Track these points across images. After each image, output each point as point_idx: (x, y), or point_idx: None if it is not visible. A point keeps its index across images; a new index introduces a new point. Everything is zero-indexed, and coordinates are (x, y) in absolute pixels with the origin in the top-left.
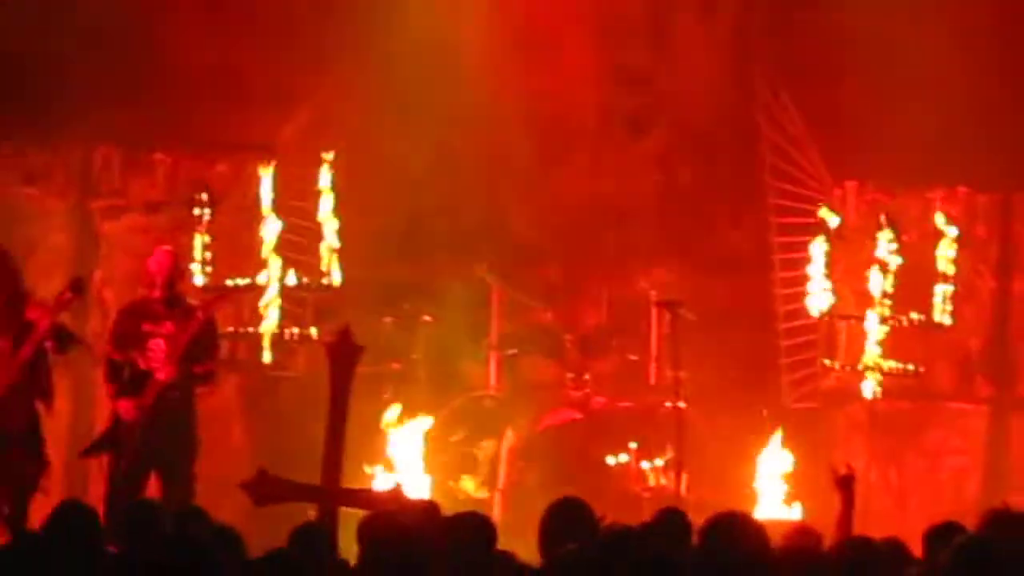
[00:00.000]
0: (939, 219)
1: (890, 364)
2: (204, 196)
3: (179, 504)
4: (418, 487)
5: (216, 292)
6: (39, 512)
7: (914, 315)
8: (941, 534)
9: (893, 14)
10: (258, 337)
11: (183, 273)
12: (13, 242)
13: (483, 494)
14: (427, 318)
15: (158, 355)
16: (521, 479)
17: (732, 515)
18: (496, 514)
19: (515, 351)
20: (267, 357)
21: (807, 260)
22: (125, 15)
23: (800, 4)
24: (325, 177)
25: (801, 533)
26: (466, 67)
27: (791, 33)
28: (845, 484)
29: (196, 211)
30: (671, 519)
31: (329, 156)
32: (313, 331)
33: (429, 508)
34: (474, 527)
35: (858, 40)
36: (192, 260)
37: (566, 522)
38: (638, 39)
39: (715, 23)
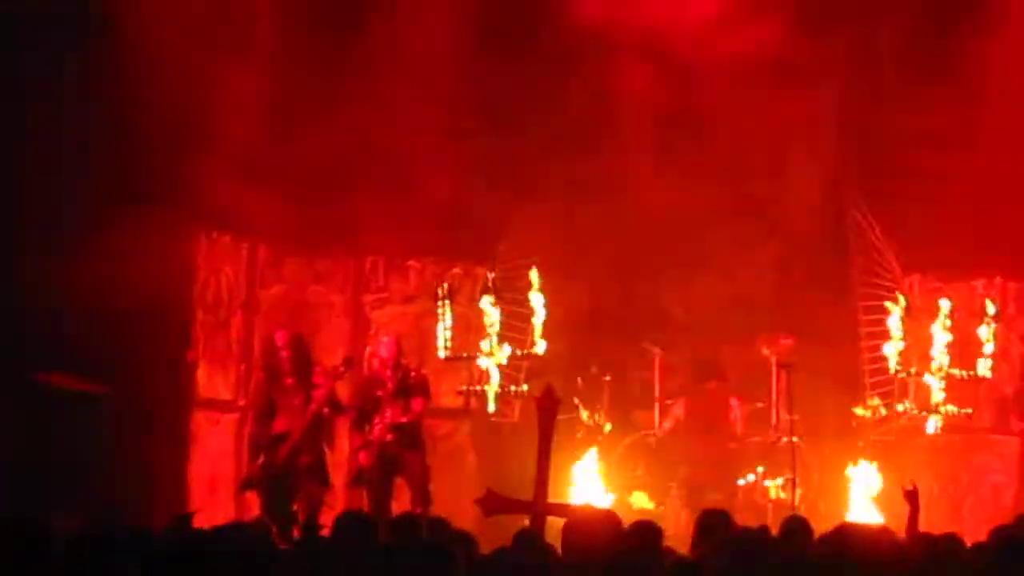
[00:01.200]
0: (983, 302)
1: (946, 408)
2: (444, 291)
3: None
4: (602, 501)
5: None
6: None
7: (964, 371)
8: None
9: (945, 149)
10: (485, 393)
11: (395, 354)
12: (306, 325)
13: (651, 506)
14: (607, 378)
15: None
16: (676, 496)
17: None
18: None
19: (671, 401)
20: (492, 407)
21: (886, 333)
22: (384, 158)
23: (882, 143)
24: (533, 277)
25: (884, 532)
26: (632, 200)
27: (875, 167)
28: (912, 497)
29: (439, 303)
30: (795, 523)
31: (534, 260)
32: (525, 388)
33: (609, 516)
34: (645, 529)
35: (921, 174)
36: (435, 339)
37: (712, 526)
38: (761, 171)
39: (817, 161)
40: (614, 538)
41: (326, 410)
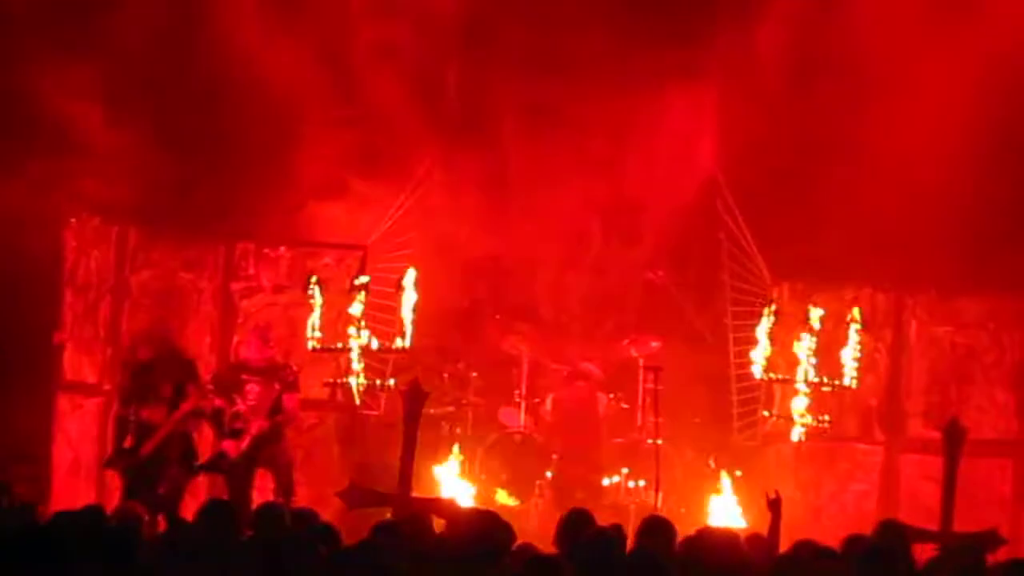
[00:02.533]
0: (850, 311)
1: (811, 416)
2: (315, 281)
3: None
4: (466, 497)
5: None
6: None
7: (829, 380)
8: (851, 540)
9: (820, 157)
10: (351, 385)
11: (269, 342)
12: (174, 312)
13: (513, 502)
14: (474, 374)
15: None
16: (542, 494)
17: (711, 529)
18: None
19: (538, 400)
20: (357, 400)
21: (753, 338)
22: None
23: (754, 149)
24: (407, 268)
25: (755, 539)
26: (507, 197)
27: (747, 172)
28: (774, 505)
29: (309, 292)
30: (655, 524)
31: (407, 253)
32: (391, 381)
33: (480, 515)
34: (500, 523)
35: (794, 180)
36: (305, 330)
37: (575, 524)
38: (632, 170)
39: (690, 163)
40: (478, 528)
41: (195, 412)
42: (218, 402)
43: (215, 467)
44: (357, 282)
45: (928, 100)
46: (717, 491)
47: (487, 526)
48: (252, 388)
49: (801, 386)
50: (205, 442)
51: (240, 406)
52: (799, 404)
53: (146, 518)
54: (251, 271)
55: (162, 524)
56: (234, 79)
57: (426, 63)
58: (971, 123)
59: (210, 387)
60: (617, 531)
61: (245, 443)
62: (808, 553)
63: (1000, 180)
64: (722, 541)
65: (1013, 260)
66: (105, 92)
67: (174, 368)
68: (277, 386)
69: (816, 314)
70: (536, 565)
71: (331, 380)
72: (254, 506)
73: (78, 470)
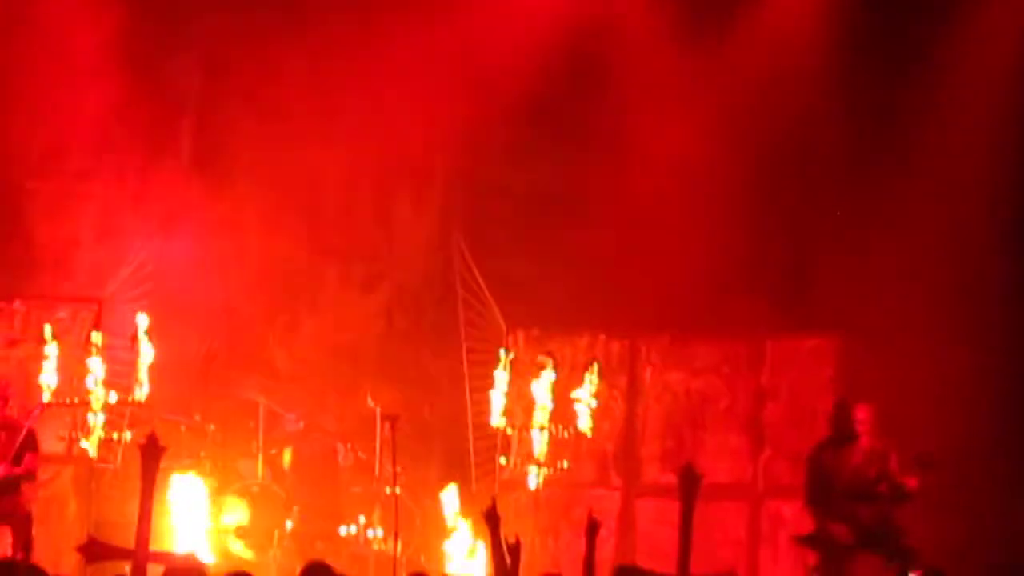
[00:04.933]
0: (587, 360)
1: (547, 464)
2: (49, 335)
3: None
4: (204, 550)
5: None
6: None
7: (564, 427)
8: None
9: (554, 207)
10: (87, 440)
11: (7, 399)
12: None
13: (251, 556)
14: (211, 427)
15: None
16: (281, 544)
17: None
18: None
19: (275, 450)
20: (93, 453)
21: (490, 385)
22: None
23: (489, 198)
24: (140, 320)
25: None
26: (241, 244)
27: (482, 221)
28: (513, 551)
29: (44, 349)
30: None
31: (142, 305)
32: (128, 434)
33: (200, 567)
34: None
35: (529, 231)
36: (40, 384)
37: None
38: (368, 217)
39: (425, 210)
40: None
41: None
42: None
43: None
44: (92, 335)
45: (659, 152)
46: (453, 534)
47: None
48: None
49: (536, 433)
50: None
51: None
52: (537, 451)
53: None
54: None
55: None
56: None
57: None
58: (703, 173)
59: None
60: None
61: None
62: None
63: (732, 228)
64: None
65: (744, 305)
66: None
67: None
68: (14, 442)
69: (549, 362)
70: None
71: (66, 434)
72: None
73: None
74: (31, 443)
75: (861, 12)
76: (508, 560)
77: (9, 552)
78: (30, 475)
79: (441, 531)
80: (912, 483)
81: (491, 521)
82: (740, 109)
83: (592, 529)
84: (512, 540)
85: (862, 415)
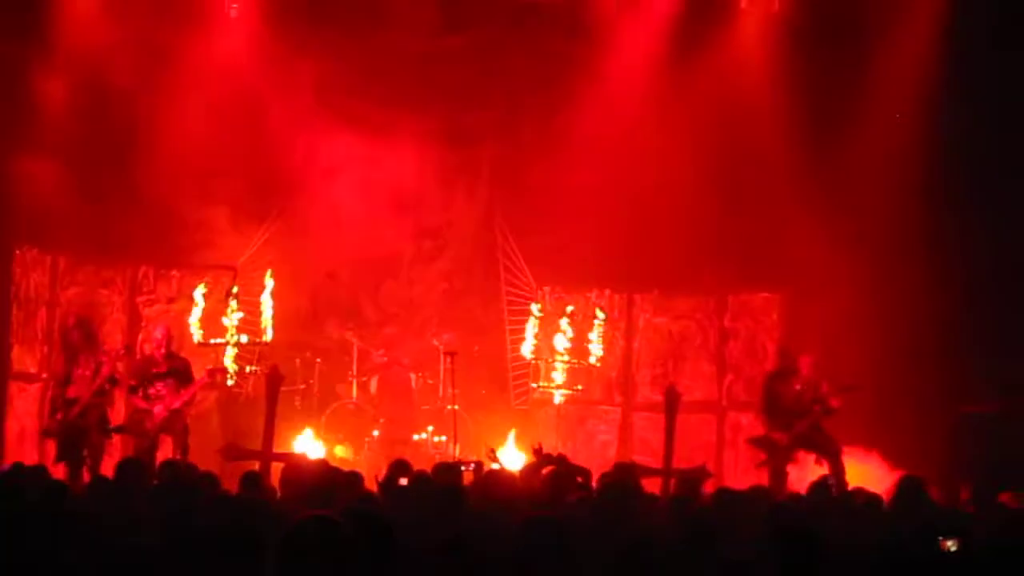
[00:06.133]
0: (595, 309)
1: (566, 386)
2: (200, 293)
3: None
4: (314, 451)
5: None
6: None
7: (579, 360)
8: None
9: (568, 196)
10: (227, 370)
11: (171, 340)
12: (93, 318)
13: (348, 455)
14: (318, 360)
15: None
16: (370, 447)
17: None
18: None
19: (366, 378)
20: (231, 382)
21: (523, 329)
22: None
23: (522, 191)
24: (267, 282)
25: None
26: (339, 228)
27: (518, 208)
28: (537, 452)
29: (195, 303)
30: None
31: (266, 271)
32: (256, 367)
33: (322, 463)
34: (349, 475)
35: (550, 216)
36: (190, 328)
37: (397, 468)
38: (432, 206)
39: (475, 200)
40: (328, 476)
41: (107, 386)
42: (133, 381)
43: (128, 430)
44: (231, 293)
45: (649, 155)
46: (501, 443)
47: (325, 469)
48: (159, 378)
49: (560, 364)
50: (116, 414)
51: (153, 392)
52: (559, 378)
53: (69, 472)
54: (151, 287)
55: (86, 477)
56: (138, 141)
57: (279, 131)
58: (683, 172)
59: (121, 367)
60: (424, 473)
61: (166, 409)
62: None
63: (704, 211)
64: (505, 478)
65: (713, 269)
66: (36, 149)
67: (92, 356)
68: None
69: (568, 310)
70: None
71: (211, 366)
72: (158, 462)
73: (24, 438)
74: (188, 377)
75: (801, 38)
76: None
77: (171, 454)
78: (189, 403)
79: (491, 436)
80: (836, 403)
81: (537, 454)
82: (712, 125)
83: (538, 451)
84: (536, 445)
85: (804, 362)
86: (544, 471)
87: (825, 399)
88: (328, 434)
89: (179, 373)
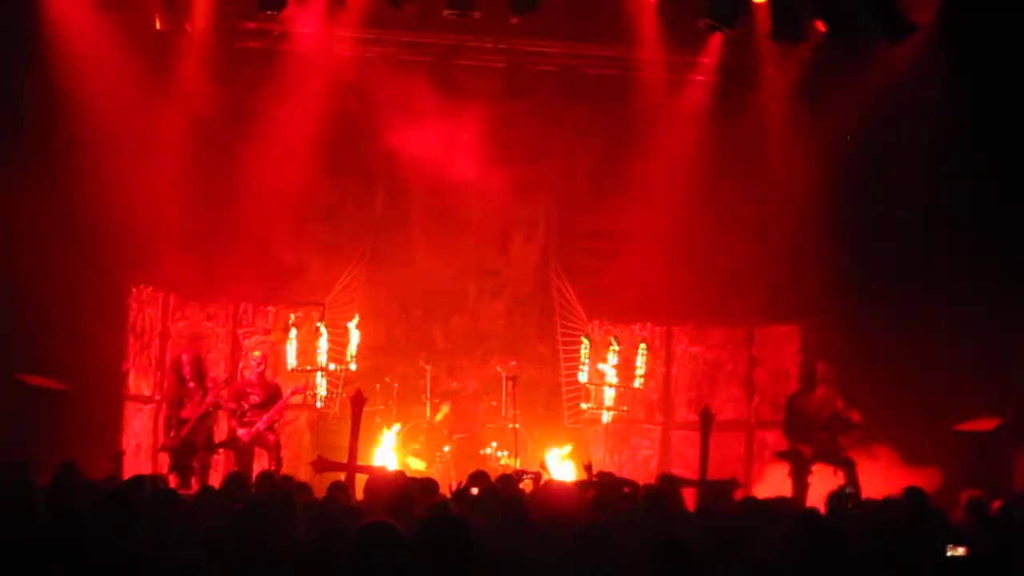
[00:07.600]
0: (639, 340)
1: (614, 408)
2: (292, 327)
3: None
4: (391, 464)
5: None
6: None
7: (625, 384)
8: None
9: (614, 240)
10: (317, 393)
11: (266, 366)
12: (200, 348)
13: (423, 467)
14: (396, 384)
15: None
16: (441, 460)
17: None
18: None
19: (438, 400)
20: (320, 403)
21: (577, 358)
22: (254, 240)
23: (574, 237)
24: (352, 317)
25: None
26: (413, 266)
27: (570, 251)
28: (588, 468)
29: (288, 335)
30: (508, 478)
31: (351, 306)
32: (342, 391)
33: (399, 473)
34: (424, 481)
35: (599, 251)
36: (285, 357)
37: (474, 478)
38: (495, 249)
39: (532, 244)
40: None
41: (212, 409)
42: (233, 405)
43: (229, 446)
44: (319, 325)
45: (682, 203)
46: (561, 457)
47: (403, 479)
48: (255, 398)
49: (607, 388)
50: (220, 433)
51: (248, 408)
52: (608, 400)
53: (179, 482)
54: (250, 321)
55: (195, 487)
56: (240, 190)
57: (359, 183)
58: (714, 219)
59: (224, 394)
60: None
61: (252, 433)
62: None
63: (734, 255)
64: (560, 488)
65: (742, 304)
66: (150, 199)
67: (200, 384)
68: (271, 397)
69: (615, 341)
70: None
71: (293, 387)
72: (255, 474)
73: (139, 452)
74: (277, 398)
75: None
76: (586, 474)
77: (266, 466)
78: (277, 421)
79: (545, 450)
80: (856, 417)
81: (588, 470)
82: (741, 178)
83: (588, 467)
84: (587, 462)
85: (821, 367)
86: (588, 494)
87: (842, 414)
88: (403, 449)
89: (271, 398)
